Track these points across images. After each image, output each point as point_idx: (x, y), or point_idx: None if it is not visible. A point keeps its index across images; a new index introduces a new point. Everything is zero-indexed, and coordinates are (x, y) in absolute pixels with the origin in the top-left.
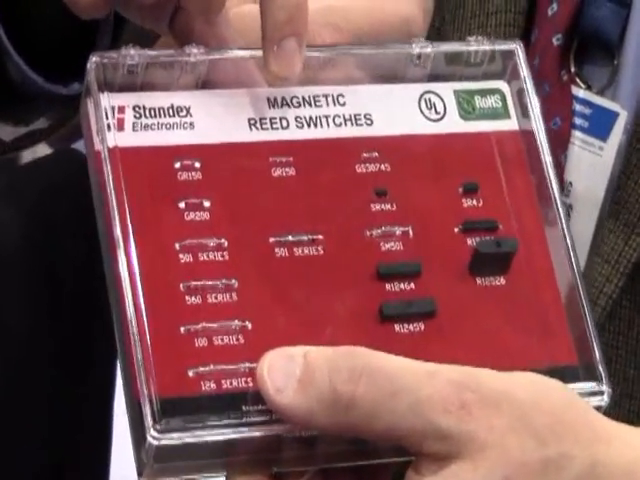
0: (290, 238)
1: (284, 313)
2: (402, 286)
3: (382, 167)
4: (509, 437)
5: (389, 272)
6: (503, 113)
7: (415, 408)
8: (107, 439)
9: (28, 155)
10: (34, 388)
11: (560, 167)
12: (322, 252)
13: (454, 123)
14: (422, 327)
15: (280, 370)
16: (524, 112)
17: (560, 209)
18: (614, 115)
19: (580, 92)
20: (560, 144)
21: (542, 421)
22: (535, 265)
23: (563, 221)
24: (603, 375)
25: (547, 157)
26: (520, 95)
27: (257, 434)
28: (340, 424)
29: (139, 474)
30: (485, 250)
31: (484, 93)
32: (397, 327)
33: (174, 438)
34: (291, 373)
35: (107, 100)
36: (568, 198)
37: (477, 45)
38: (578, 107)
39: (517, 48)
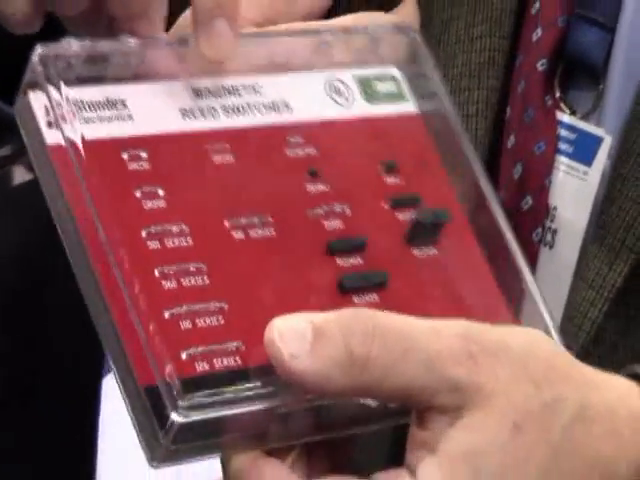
0: (243, 221)
1: (254, 292)
2: (352, 260)
3: (308, 151)
4: (512, 385)
5: (340, 247)
6: (401, 97)
7: (428, 364)
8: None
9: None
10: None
11: (544, 191)
12: (274, 233)
13: (361, 107)
14: (376, 298)
15: (292, 337)
16: (423, 95)
17: (484, 183)
18: (598, 140)
19: (565, 117)
20: (544, 168)
21: (537, 368)
22: (457, 234)
23: (488, 193)
24: (549, 324)
25: (462, 137)
26: (416, 79)
27: (275, 404)
28: (355, 386)
29: (151, 460)
30: (424, 220)
31: (381, 78)
32: (355, 299)
33: (202, 412)
34: (303, 339)
35: (55, 92)
36: (553, 223)
37: (375, 30)
38: (563, 132)
39: (414, 34)
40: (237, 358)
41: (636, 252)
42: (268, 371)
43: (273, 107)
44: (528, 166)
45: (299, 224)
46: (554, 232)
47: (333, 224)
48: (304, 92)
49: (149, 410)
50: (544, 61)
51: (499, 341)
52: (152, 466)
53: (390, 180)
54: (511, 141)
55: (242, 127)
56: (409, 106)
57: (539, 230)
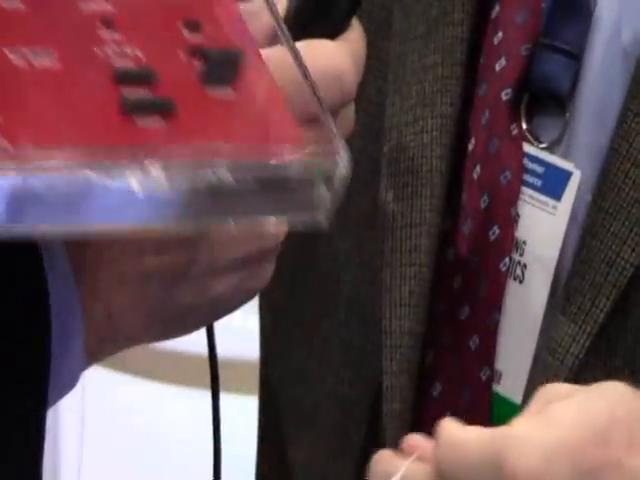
0: (25, 51)
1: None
2: (138, 90)
3: (105, 5)
4: None
5: (125, 75)
6: None
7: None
8: None
9: None
10: None
11: (510, 221)
12: (58, 64)
13: None
14: (163, 123)
15: None
16: None
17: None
18: (567, 174)
19: (531, 149)
20: (510, 198)
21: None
22: (256, 75)
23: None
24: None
25: None
26: None
27: None
28: None
29: None
30: (215, 56)
31: None
32: (139, 122)
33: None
34: None
35: None
36: (523, 257)
37: None
38: (530, 165)
39: None
40: None
41: (619, 287)
42: None
43: None
44: (494, 196)
45: (86, 59)
46: (524, 267)
47: (123, 62)
48: None
49: None
50: (509, 90)
51: None
52: None
53: (191, 36)
54: (477, 172)
55: None
56: None
57: (506, 260)
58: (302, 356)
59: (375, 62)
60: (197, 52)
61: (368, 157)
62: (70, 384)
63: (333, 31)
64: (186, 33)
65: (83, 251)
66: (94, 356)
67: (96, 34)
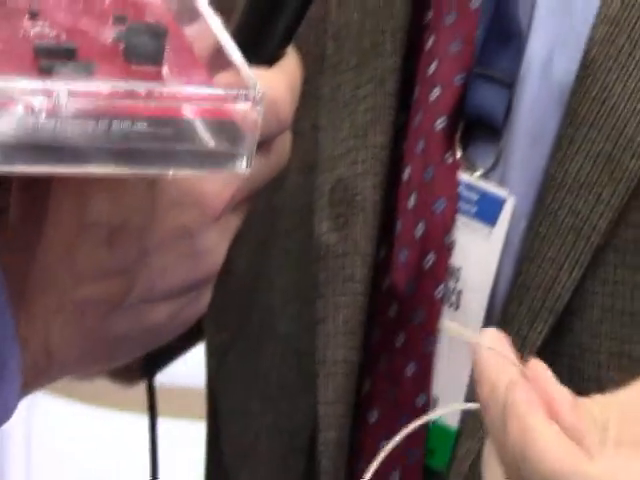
0: None
1: None
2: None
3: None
4: None
5: (44, 48)
6: None
7: None
8: None
9: None
10: None
11: (444, 249)
12: None
13: None
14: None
15: None
16: None
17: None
18: (501, 201)
19: (466, 176)
20: (444, 226)
21: None
22: (179, 53)
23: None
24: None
25: None
26: None
27: None
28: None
29: None
30: (136, 27)
31: None
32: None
33: None
34: None
35: None
36: (457, 284)
37: None
38: (465, 192)
39: None
40: None
41: (556, 313)
42: None
43: None
44: (429, 224)
45: (11, 41)
46: (459, 293)
47: (44, 40)
48: None
49: None
50: (443, 119)
51: None
52: None
53: (116, 24)
54: (412, 200)
55: None
56: None
57: (441, 287)
58: (244, 393)
59: (310, 98)
60: (121, 34)
61: (305, 192)
62: (6, 416)
63: (269, 59)
64: (112, 22)
65: (22, 281)
66: (29, 387)
67: (22, 22)
